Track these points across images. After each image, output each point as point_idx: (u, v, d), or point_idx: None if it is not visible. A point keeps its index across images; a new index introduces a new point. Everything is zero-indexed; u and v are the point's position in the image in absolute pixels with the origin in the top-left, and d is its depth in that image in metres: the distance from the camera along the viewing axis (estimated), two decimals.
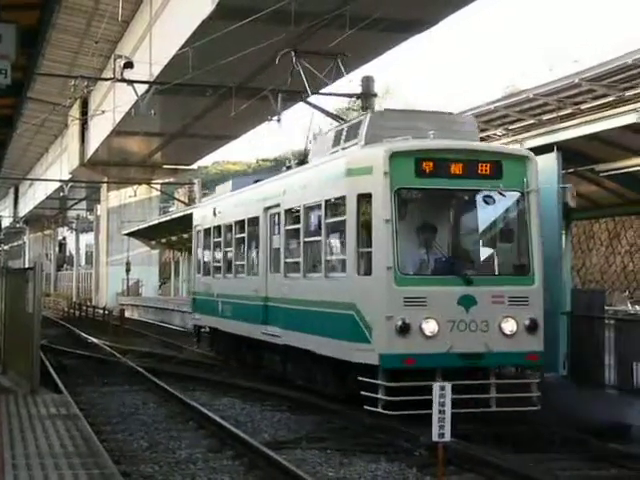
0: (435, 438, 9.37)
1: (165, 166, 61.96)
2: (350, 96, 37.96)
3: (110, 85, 42.52)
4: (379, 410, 13.09)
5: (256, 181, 20.32)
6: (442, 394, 9.26)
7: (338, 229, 14.69)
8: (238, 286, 20.16)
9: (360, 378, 13.46)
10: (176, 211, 56.33)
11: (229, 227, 21.15)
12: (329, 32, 28.08)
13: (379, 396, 13.10)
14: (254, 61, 31.74)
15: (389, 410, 12.89)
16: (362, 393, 13.38)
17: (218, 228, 22.09)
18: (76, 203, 78.13)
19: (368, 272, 13.56)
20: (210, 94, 34.01)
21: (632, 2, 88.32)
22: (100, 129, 52.77)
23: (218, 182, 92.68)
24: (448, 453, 10.04)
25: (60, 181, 64.17)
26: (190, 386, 19.16)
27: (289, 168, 19.15)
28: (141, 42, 40.93)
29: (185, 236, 53.79)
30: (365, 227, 13.68)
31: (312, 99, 24.69)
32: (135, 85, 30.53)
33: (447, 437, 9.35)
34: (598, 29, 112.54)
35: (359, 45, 30.46)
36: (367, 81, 33.34)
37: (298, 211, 16.26)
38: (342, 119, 22.22)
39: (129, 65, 29.82)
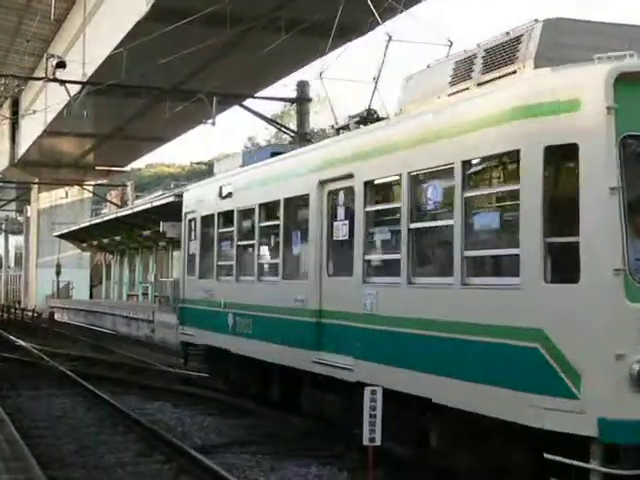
0: (366, 442, 9.39)
1: (98, 168, 61.36)
2: (285, 100, 38.08)
3: (42, 85, 41.93)
4: None
5: (274, 154, 15.28)
6: (373, 398, 9.29)
7: (493, 205, 9.60)
8: (265, 294, 14.48)
9: (547, 456, 8.04)
10: (108, 213, 55.78)
11: (248, 212, 15.49)
12: (265, 36, 28.13)
13: None
14: (189, 63, 31.61)
15: None
16: None
17: (228, 214, 16.32)
18: (5, 204, 76.76)
19: (569, 277, 8.10)
20: (144, 96, 33.78)
21: None
22: (31, 129, 52.06)
23: (152, 185, 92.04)
24: (379, 456, 10.07)
25: None
26: (120, 390, 18.95)
27: (341, 131, 13.70)
28: (74, 42, 40.49)
29: (117, 238, 53.39)
30: (562, 201, 8.43)
31: (247, 103, 24.68)
32: (68, 85, 30.18)
33: (377, 441, 9.38)
34: None
35: (295, 49, 30.55)
36: (302, 86, 33.48)
37: (396, 183, 10.93)
38: (278, 123, 22.17)
39: (61, 65, 29.40)
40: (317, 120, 71.76)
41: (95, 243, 58.85)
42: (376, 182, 11.48)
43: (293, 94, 33.85)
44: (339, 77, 16.67)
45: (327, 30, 30.28)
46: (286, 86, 53.31)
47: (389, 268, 11.00)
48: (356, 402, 10.50)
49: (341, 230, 12.15)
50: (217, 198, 16.76)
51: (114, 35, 32.65)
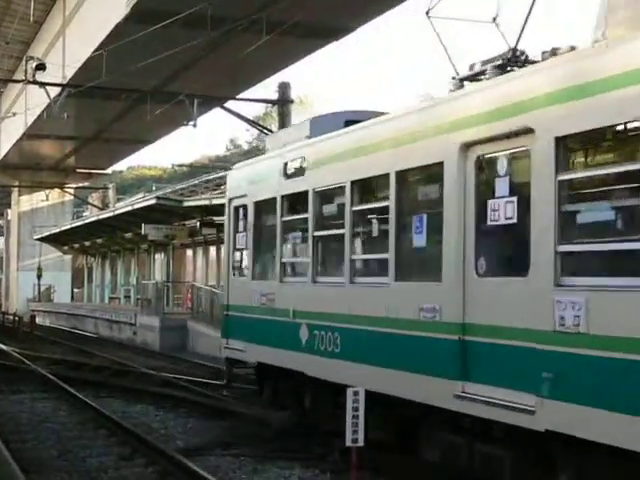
0: (349, 443, 9.39)
1: (79, 170, 61.14)
2: (267, 102, 38.08)
3: (22, 87, 41.73)
4: None
5: (348, 122, 12.20)
6: (355, 399, 9.29)
7: None
8: (364, 300, 10.96)
9: None
10: (90, 216, 55.60)
11: (331, 193, 12.09)
12: (246, 37, 28.10)
13: None
14: (170, 65, 31.54)
15: None
16: None
17: (298, 197, 12.84)
18: None
19: None
20: (125, 98, 33.68)
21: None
22: (11, 132, 51.83)
23: (133, 187, 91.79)
24: (362, 457, 10.06)
25: None
26: (103, 393, 18.87)
27: (474, 78, 10.02)
28: (54, 44, 40.33)
29: (99, 241, 53.21)
30: None
31: (229, 104, 24.63)
32: (48, 87, 30.07)
33: (360, 442, 9.37)
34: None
35: (276, 51, 30.54)
36: (284, 87, 33.49)
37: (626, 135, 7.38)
38: (259, 125, 22.00)
39: (41, 67, 29.33)
40: (299, 121, 71.92)
41: (77, 246, 58.65)
42: (579, 135, 7.73)
43: (275, 95, 33.88)
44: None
45: (308, 31, 30.45)
46: (267, 88, 53.54)
47: (611, 263, 7.49)
48: (544, 458, 8.10)
49: (503, 210, 8.56)
50: (280, 178, 13.14)
51: (94, 37, 32.53)
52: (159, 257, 48.14)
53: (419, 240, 10.13)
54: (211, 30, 26.08)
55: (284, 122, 33.21)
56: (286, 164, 13.11)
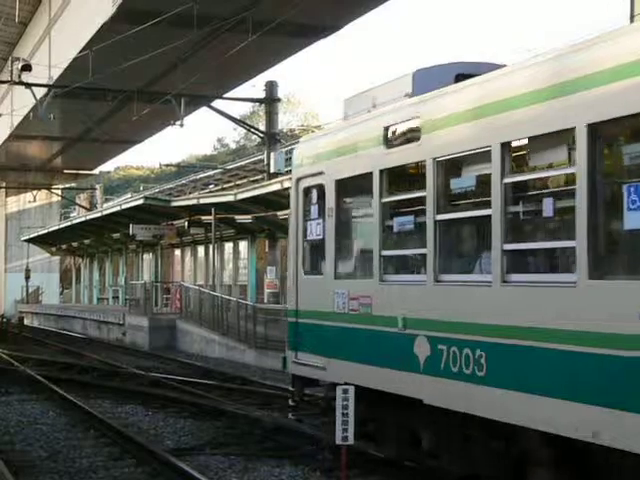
0: (339, 441, 9.39)
1: (66, 171, 60.98)
2: (254, 101, 38.04)
3: (7, 88, 41.61)
4: None
5: (459, 77, 9.68)
6: (345, 397, 9.29)
7: None
8: (529, 305, 7.93)
9: None
10: (77, 216, 55.48)
11: (462, 162, 9.15)
12: (232, 37, 28.09)
13: None
14: (156, 65, 31.49)
15: None
16: None
17: (407, 170, 10.10)
18: None
19: None
20: (111, 98, 33.61)
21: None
22: None
23: (121, 187, 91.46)
24: (352, 456, 10.07)
25: None
26: (92, 394, 18.83)
27: None
28: (40, 44, 40.22)
29: (87, 242, 53.10)
30: None
31: (216, 103, 24.60)
32: (34, 88, 29.98)
33: (350, 440, 9.37)
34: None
35: (262, 50, 30.53)
36: (271, 86, 33.49)
37: None
38: (246, 124, 21.81)
39: (27, 68, 29.25)
40: (286, 120, 71.96)
41: (64, 247, 58.52)
42: None
43: (262, 94, 33.86)
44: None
45: (294, 30, 30.45)
46: (254, 86, 53.47)
47: None
48: None
49: None
50: (377, 147, 10.09)
51: (80, 37, 32.45)
52: (147, 257, 48.11)
53: (634, 219, 6.91)
54: (197, 29, 26.07)
55: (271, 120, 33.21)
56: (387, 129, 9.97)
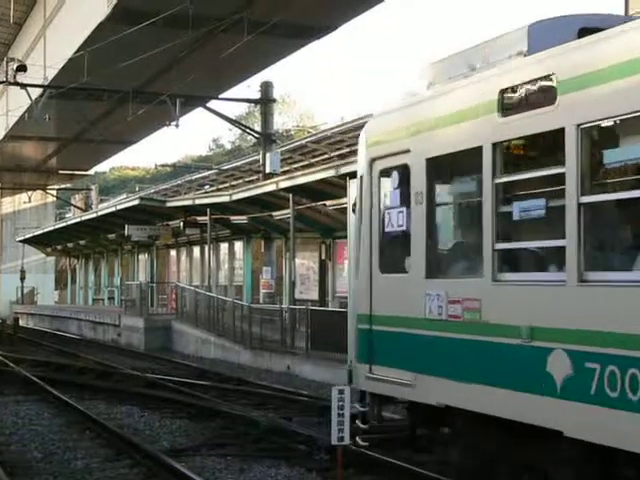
0: (334, 441, 9.38)
1: (61, 172, 60.91)
2: (249, 101, 38.04)
3: (2, 89, 41.57)
4: None
5: (584, 31, 7.89)
6: (341, 397, 9.28)
7: None
8: None
9: None
10: (72, 217, 55.43)
11: (623, 130, 7.01)
12: (228, 37, 28.08)
13: None
14: (152, 65, 31.47)
15: None
16: None
17: (535, 142, 7.90)
18: None
19: None
20: (107, 99, 33.61)
21: None
22: None
23: (116, 188, 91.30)
24: (347, 456, 10.07)
25: None
26: (87, 395, 18.80)
27: None
28: (35, 45, 40.19)
29: (82, 243, 53.04)
30: None
31: (211, 104, 24.57)
32: (29, 89, 29.97)
33: (346, 440, 9.37)
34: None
35: (258, 50, 30.52)
36: (266, 87, 33.49)
37: None
38: (242, 124, 21.77)
39: (22, 68, 29.25)
40: (281, 121, 71.90)
41: (60, 247, 58.46)
42: None
43: (257, 95, 33.86)
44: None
45: (289, 30, 30.45)
46: (250, 87, 53.48)
47: None
48: None
49: None
50: (489, 115, 8.05)
51: (75, 37, 32.43)
52: (143, 258, 48.08)
53: None
54: (193, 30, 26.05)
55: (267, 121, 33.20)
56: (503, 92, 7.96)
